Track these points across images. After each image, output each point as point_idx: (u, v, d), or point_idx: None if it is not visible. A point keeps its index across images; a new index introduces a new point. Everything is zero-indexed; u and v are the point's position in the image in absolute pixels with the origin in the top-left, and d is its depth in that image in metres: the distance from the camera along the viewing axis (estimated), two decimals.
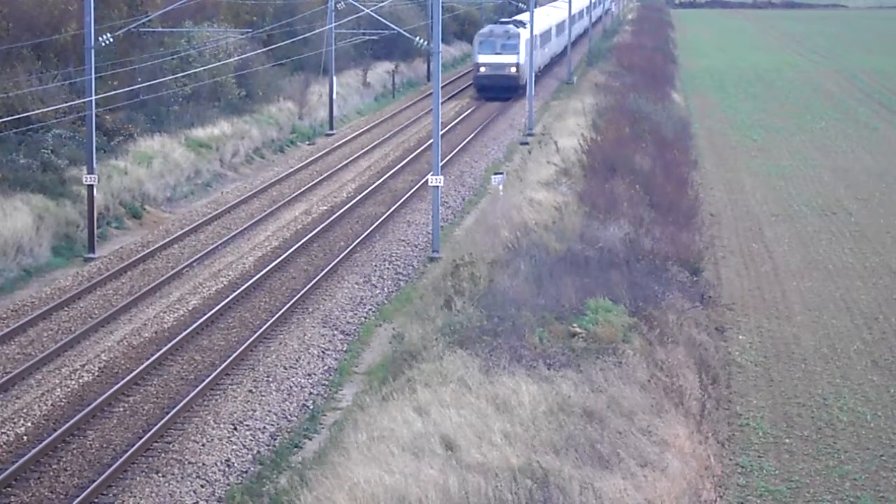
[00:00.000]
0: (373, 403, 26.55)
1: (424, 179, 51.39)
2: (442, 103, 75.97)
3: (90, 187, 43.18)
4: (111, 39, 44.21)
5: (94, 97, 42.54)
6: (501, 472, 21.51)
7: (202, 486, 25.07)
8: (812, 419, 28.56)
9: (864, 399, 29.82)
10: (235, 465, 26.22)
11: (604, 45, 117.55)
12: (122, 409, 28.80)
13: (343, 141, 67.07)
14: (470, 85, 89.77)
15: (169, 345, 32.71)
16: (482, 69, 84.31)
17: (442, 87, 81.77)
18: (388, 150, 64.72)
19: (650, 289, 32.94)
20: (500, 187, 48.22)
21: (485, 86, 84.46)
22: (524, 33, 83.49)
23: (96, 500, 24.19)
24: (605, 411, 25.00)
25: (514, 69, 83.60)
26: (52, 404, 28.96)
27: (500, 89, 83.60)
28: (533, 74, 74.23)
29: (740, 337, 34.56)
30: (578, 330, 29.33)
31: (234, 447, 26.99)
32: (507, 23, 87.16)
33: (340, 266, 41.56)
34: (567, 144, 55.26)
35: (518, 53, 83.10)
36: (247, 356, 32.43)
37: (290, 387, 30.73)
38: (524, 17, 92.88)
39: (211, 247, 43.52)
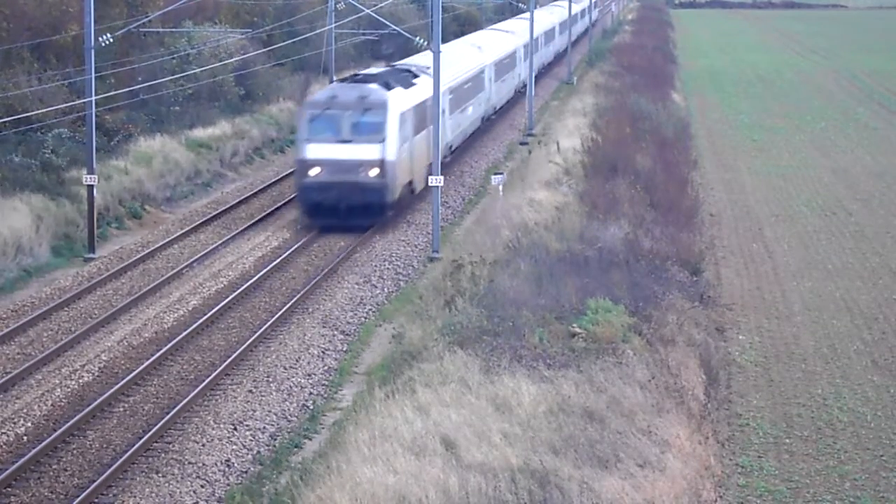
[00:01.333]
0: (373, 403, 26.54)
1: None
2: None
3: (90, 187, 43.17)
4: (111, 39, 44.22)
5: (93, 97, 42.55)
6: (501, 472, 21.52)
7: (202, 487, 25.07)
8: (812, 419, 28.54)
9: (864, 399, 29.80)
10: (235, 465, 26.21)
11: (604, 46, 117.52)
12: (122, 409, 28.79)
13: None
14: None
15: (169, 345, 32.70)
16: (312, 171, 45.11)
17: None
18: None
19: (650, 289, 32.96)
20: (500, 187, 48.20)
21: (317, 204, 45.11)
22: (399, 99, 46.84)
23: (96, 500, 24.18)
24: (604, 411, 25.00)
25: (375, 171, 44.56)
26: (52, 404, 28.96)
27: (347, 212, 44.89)
28: (533, 76, 74.09)
29: (740, 337, 34.54)
30: (578, 330, 29.34)
31: (234, 447, 26.98)
32: (368, 79, 47.86)
33: (340, 266, 41.55)
34: (567, 144, 55.30)
35: (384, 140, 44.73)
36: (247, 356, 32.42)
37: (290, 387, 30.72)
38: (414, 59, 60.43)
39: (211, 247, 43.51)
